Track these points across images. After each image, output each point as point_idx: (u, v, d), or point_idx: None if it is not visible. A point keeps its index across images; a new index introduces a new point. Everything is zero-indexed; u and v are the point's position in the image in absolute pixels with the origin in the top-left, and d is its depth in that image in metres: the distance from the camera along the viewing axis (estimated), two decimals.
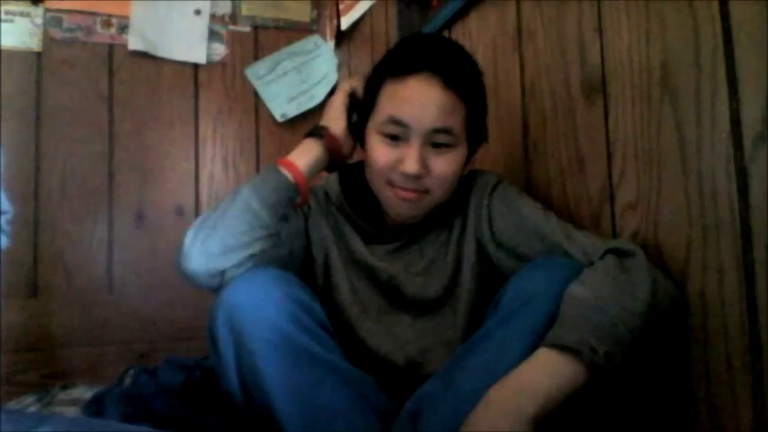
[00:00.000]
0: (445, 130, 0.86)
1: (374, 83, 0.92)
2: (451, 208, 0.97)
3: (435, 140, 0.87)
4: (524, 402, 0.65)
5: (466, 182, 0.98)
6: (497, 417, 0.65)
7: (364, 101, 0.95)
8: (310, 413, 0.76)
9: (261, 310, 0.77)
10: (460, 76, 0.88)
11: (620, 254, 0.78)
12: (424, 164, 0.87)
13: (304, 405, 0.76)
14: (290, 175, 0.90)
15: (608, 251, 0.80)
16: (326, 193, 1.02)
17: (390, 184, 0.90)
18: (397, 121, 0.87)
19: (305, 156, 0.93)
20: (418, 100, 0.86)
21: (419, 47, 0.91)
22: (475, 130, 0.92)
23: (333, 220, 1.00)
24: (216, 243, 0.84)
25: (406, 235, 0.97)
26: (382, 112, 0.89)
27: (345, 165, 1.00)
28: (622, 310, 0.71)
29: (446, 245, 0.97)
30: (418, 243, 0.98)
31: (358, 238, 0.98)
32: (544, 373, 0.68)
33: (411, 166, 0.86)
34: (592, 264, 0.80)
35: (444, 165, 0.88)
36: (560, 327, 0.71)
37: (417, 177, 0.87)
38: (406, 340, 0.94)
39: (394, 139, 0.88)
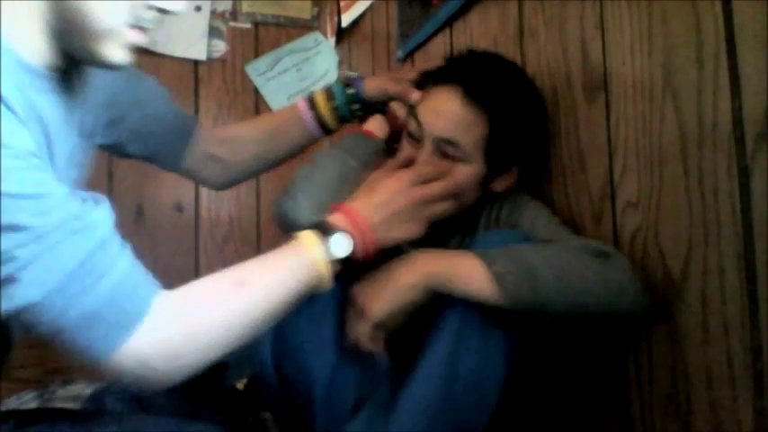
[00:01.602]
0: (451, 143, 0.88)
1: (419, 88, 0.97)
2: (473, 215, 0.98)
3: (444, 150, 0.89)
4: (431, 261, 0.78)
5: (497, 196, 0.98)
6: (401, 264, 0.78)
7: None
8: (333, 388, 0.84)
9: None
10: (485, 92, 0.88)
11: (597, 251, 0.79)
12: None
13: (330, 379, 0.84)
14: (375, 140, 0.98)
15: (583, 246, 0.81)
16: None
17: None
18: (416, 119, 0.91)
19: (375, 126, 1.00)
20: (435, 107, 0.90)
21: (457, 60, 0.96)
22: (499, 152, 0.90)
23: None
24: (316, 195, 0.88)
25: (429, 234, 0.98)
26: (414, 111, 0.93)
27: None
28: (558, 264, 0.75)
29: (459, 247, 0.98)
30: (438, 242, 0.98)
31: None
32: (459, 259, 0.77)
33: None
34: None
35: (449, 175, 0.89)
36: (494, 249, 0.78)
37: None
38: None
39: (414, 140, 0.92)
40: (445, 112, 0.89)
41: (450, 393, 0.77)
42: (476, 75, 0.90)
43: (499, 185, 0.94)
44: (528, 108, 0.94)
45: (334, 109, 1.03)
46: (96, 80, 0.81)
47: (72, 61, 0.69)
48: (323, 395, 0.83)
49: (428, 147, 0.89)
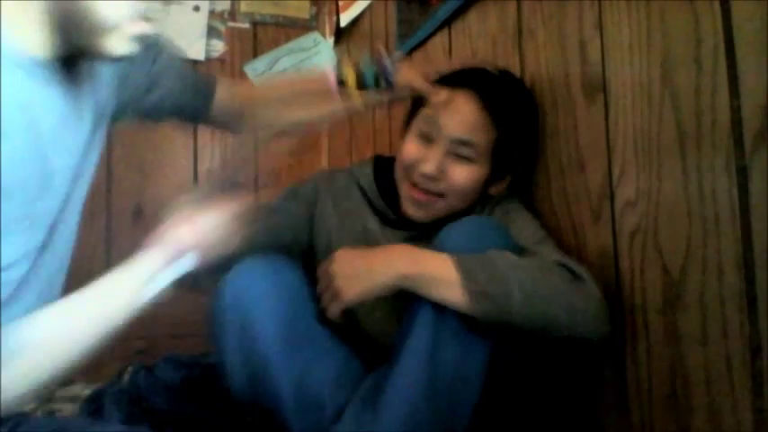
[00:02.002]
0: (467, 143, 0.94)
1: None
2: (464, 215, 0.99)
3: (457, 152, 0.94)
4: (406, 263, 0.80)
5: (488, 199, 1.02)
6: (380, 257, 0.83)
7: (416, 99, 1.02)
8: (303, 393, 0.83)
9: (264, 297, 0.85)
10: (500, 101, 0.95)
11: (570, 273, 0.81)
12: (440, 168, 0.94)
13: (299, 384, 0.83)
14: None
15: (558, 264, 0.82)
16: (353, 175, 1.09)
17: (409, 180, 0.97)
18: (432, 121, 0.96)
19: None
20: (454, 109, 0.95)
21: (476, 70, 1.01)
22: (504, 158, 0.97)
23: (351, 202, 1.06)
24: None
25: (420, 228, 1.01)
26: (425, 111, 0.98)
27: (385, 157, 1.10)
28: (529, 282, 0.77)
29: None
30: (429, 239, 1.00)
31: (376, 220, 1.04)
32: (434, 263, 0.79)
33: (427, 166, 0.94)
34: None
35: (459, 174, 0.95)
36: (472, 256, 0.79)
37: (432, 179, 0.94)
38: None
39: (425, 139, 0.96)
40: (463, 114, 0.94)
41: (434, 385, 0.78)
42: (492, 87, 0.96)
43: (494, 189, 1.00)
44: (530, 120, 1.01)
45: (364, 91, 1.02)
46: (105, 65, 0.81)
47: (75, 51, 0.69)
48: (293, 402, 0.83)
49: (442, 147, 0.95)
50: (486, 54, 1.18)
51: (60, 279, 0.81)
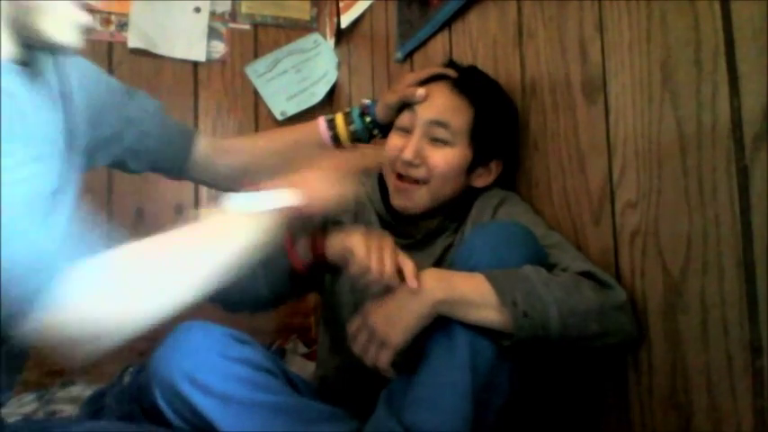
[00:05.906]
0: (442, 124, 0.97)
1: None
2: (461, 212, 1.02)
3: (434, 134, 0.98)
4: (441, 288, 0.78)
5: (479, 193, 1.02)
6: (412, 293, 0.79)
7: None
8: None
9: (202, 378, 0.80)
10: (471, 84, 1.01)
11: (599, 282, 0.81)
12: (419, 153, 0.97)
13: None
14: None
15: (586, 273, 0.81)
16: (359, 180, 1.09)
17: (394, 172, 0.99)
18: (409, 113, 1.00)
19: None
20: (429, 98, 1.00)
21: (446, 65, 1.08)
22: (483, 139, 0.99)
23: (358, 206, 1.06)
24: None
25: (420, 233, 1.02)
26: (404, 110, 1.02)
27: None
28: (565, 300, 0.76)
29: (450, 248, 1.01)
30: (430, 245, 1.02)
31: (379, 227, 1.05)
32: (469, 285, 0.78)
33: (406, 152, 0.96)
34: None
35: (438, 157, 0.97)
36: (504, 272, 0.78)
37: (413, 165, 0.96)
38: None
39: (405, 131, 1.00)
40: (436, 99, 0.99)
41: (472, 389, 0.78)
42: (461, 73, 1.04)
43: (480, 180, 1.02)
44: (506, 106, 1.05)
45: (353, 132, 1.12)
46: (78, 96, 0.81)
47: (26, 41, 0.69)
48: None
49: (419, 131, 0.98)
50: (486, 54, 1.19)
51: None
